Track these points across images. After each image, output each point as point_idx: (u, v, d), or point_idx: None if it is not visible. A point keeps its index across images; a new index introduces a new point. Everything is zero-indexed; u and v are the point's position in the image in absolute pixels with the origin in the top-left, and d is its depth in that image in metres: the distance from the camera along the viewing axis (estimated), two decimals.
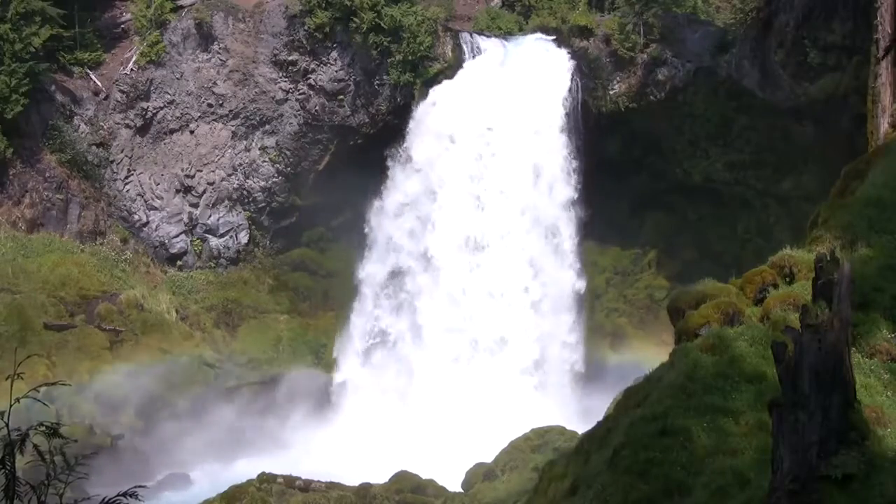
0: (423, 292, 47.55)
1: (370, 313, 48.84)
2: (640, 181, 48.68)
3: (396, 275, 48.63)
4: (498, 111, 47.26)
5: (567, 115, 47.49)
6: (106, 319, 44.34)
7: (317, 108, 49.49)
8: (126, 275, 47.33)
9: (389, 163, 48.31)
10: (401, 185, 48.65)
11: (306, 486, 34.36)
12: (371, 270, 48.85)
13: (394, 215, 48.79)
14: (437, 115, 47.81)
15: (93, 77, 48.85)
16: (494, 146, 47.37)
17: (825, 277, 12.73)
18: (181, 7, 49.90)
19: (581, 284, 47.54)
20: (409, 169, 48.44)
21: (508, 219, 46.99)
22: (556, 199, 47.24)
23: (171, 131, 49.68)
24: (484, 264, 46.86)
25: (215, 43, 49.42)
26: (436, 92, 47.97)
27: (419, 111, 47.95)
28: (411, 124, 47.98)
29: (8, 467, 6.96)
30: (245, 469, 37.62)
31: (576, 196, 47.34)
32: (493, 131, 47.45)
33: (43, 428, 7.07)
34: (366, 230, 48.87)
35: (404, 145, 48.22)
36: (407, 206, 48.65)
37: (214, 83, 49.51)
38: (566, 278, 47.24)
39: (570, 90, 47.68)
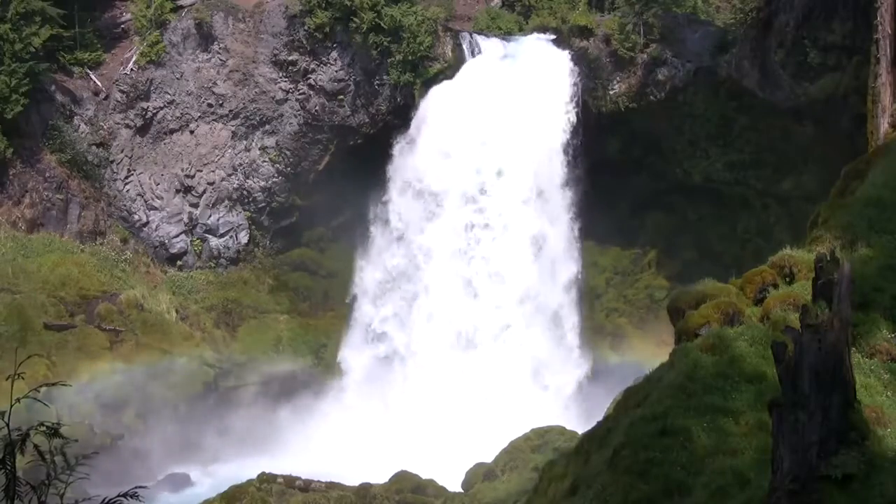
0: (409, 387, 42.80)
1: (350, 407, 44.90)
2: (640, 181, 48.63)
3: (381, 363, 45.32)
4: (490, 162, 43.51)
5: (569, 162, 44.62)
6: (106, 319, 44.34)
7: (317, 108, 49.49)
8: (126, 275, 47.32)
9: (371, 211, 46.54)
10: (381, 255, 45.51)
11: (306, 486, 34.35)
12: (350, 356, 45.67)
13: (373, 296, 45.93)
14: (417, 162, 44.47)
15: (93, 77, 48.85)
16: (489, 213, 43.56)
17: (825, 277, 12.73)
18: (181, 7, 49.91)
19: (586, 368, 43.90)
20: (388, 234, 45.66)
21: (505, 309, 42.56)
22: (560, 280, 43.62)
23: (171, 131, 49.68)
24: (477, 364, 42.30)
25: (215, 43, 49.43)
26: (416, 127, 45.14)
27: (398, 151, 45.60)
28: (390, 170, 45.98)
29: (8, 467, 6.96)
30: (245, 469, 37.60)
31: (580, 270, 44.10)
32: (488, 194, 43.40)
33: (43, 428, 7.07)
34: (347, 298, 47.11)
35: (384, 197, 46.13)
36: (388, 284, 45.26)
37: (214, 83, 49.52)
38: (571, 376, 43.37)
39: (571, 129, 44.93)
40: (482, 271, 43.41)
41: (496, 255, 43.36)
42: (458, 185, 44.28)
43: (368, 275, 46.42)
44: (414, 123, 46.30)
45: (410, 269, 45.07)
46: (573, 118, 45.69)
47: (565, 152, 44.98)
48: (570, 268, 44.44)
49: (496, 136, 44.69)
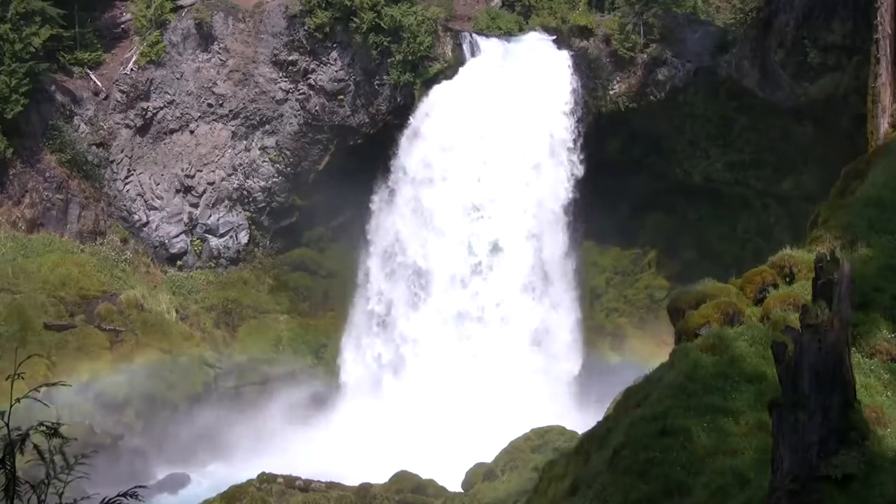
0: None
1: None
2: (640, 181, 48.62)
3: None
4: (485, 233, 41.10)
5: (570, 224, 42.44)
6: (106, 319, 44.32)
7: (317, 108, 49.48)
8: (126, 275, 47.32)
9: (359, 272, 45.16)
10: (361, 340, 42.88)
11: (306, 486, 34.33)
12: (339, 423, 42.28)
13: (354, 388, 43.95)
14: (398, 223, 42.24)
15: (93, 77, 48.84)
16: (482, 300, 40.73)
17: (825, 277, 12.71)
18: (181, 7, 49.90)
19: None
20: (369, 318, 43.53)
21: (500, 420, 37.92)
22: (563, 378, 40.74)
23: (171, 131, 49.68)
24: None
25: (215, 43, 49.43)
26: (395, 178, 43.70)
27: (377, 206, 44.57)
28: (369, 229, 45.11)
29: (8, 467, 6.95)
30: (245, 469, 37.61)
31: (581, 364, 41.56)
32: (482, 275, 40.55)
33: (43, 428, 7.07)
34: (338, 362, 46.25)
35: (365, 265, 44.92)
36: (369, 378, 42.53)
37: (214, 83, 49.51)
38: None
39: (574, 183, 43.08)
40: (474, 372, 40.27)
41: (490, 354, 40.22)
42: (448, 264, 41.46)
43: (350, 363, 44.65)
44: (393, 174, 44.89)
45: (396, 360, 42.59)
46: (578, 170, 43.91)
47: (566, 212, 42.99)
48: (573, 362, 42.00)
49: (492, 203, 42.19)
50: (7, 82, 45.19)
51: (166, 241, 49.86)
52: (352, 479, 35.23)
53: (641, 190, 48.77)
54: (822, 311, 11.36)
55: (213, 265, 50.38)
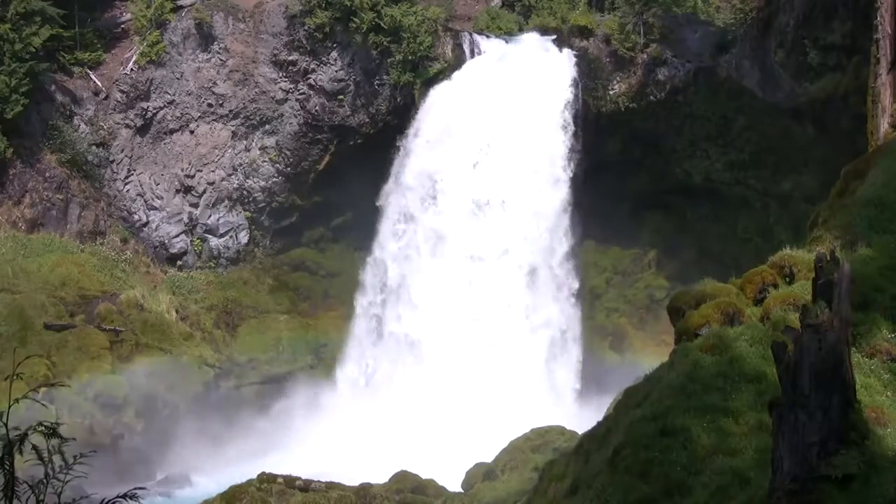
0: None
1: None
2: (640, 181, 48.61)
3: None
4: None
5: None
6: (106, 319, 44.28)
7: (317, 108, 49.48)
8: (126, 275, 47.30)
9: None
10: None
11: (306, 486, 34.27)
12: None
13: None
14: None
15: (93, 77, 48.84)
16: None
17: (825, 277, 12.70)
18: (181, 7, 49.91)
19: None
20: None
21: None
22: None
23: (171, 131, 49.69)
24: None
25: (215, 43, 49.44)
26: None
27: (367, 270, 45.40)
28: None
29: (7, 467, 6.95)
30: (245, 469, 37.53)
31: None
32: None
33: (42, 428, 7.06)
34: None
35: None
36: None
37: (214, 83, 49.52)
38: None
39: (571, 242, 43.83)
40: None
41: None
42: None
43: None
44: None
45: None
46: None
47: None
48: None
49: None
50: (7, 82, 45.18)
51: (166, 241, 49.86)
52: (352, 479, 35.19)
53: (641, 190, 48.76)
54: (822, 311, 11.35)
55: (213, 265, 50.38)
